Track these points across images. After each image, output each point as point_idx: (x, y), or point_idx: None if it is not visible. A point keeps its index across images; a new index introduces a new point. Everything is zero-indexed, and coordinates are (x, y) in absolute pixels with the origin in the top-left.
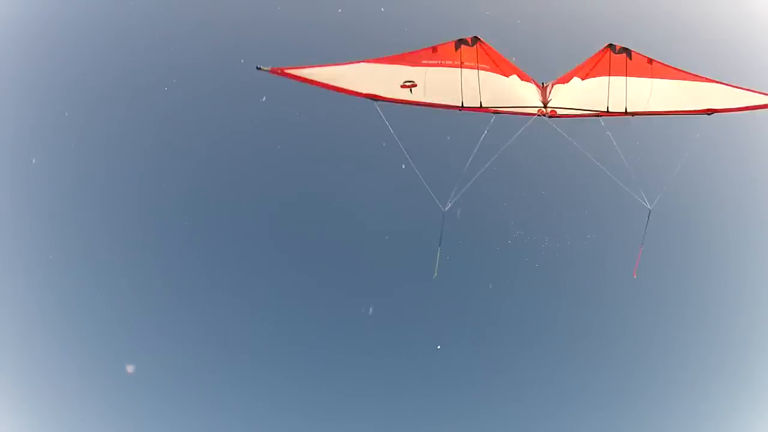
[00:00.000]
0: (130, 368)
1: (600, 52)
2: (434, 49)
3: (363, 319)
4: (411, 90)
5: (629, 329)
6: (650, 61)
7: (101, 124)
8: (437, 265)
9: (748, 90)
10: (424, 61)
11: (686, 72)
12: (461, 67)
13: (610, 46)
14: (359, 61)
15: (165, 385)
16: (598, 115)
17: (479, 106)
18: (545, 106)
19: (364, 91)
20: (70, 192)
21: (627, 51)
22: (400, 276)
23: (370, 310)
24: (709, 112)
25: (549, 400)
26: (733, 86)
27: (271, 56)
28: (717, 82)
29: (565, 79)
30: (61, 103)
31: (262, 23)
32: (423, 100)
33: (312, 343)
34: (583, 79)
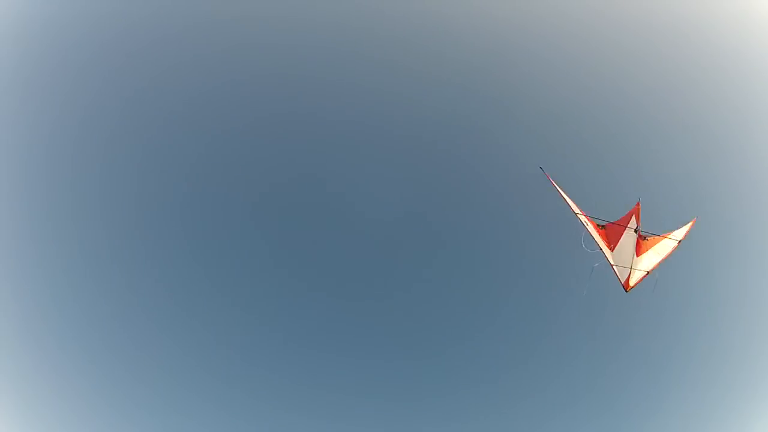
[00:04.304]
0: None
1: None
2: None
3: (367, 321)
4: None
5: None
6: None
7: (100, 125)
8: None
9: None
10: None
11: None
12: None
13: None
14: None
15: (165, 385)
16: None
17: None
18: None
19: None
20: (69, 192)
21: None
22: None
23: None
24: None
25: (551, 401)
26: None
27: (272, 56)
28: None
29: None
30: (61, 103)
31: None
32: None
33: (315, 343)
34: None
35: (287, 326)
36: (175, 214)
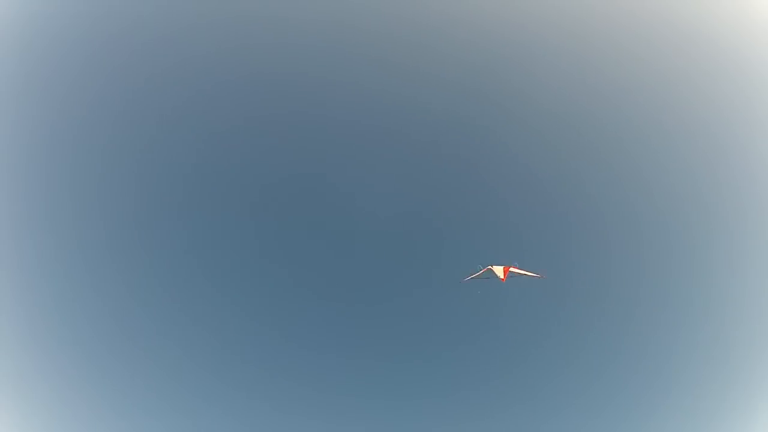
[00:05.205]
0: None
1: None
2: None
3: (371, 321)
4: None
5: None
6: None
7: (101, 125)
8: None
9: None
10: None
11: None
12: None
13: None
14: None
15: (164, 385)
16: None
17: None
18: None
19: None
20: (69, 192)
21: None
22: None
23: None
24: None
25: (552, 401)
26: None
27: (274, 55)
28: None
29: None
30: (61, 103)
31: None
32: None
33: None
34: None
35: (287, 326)
36: (175, 213)
